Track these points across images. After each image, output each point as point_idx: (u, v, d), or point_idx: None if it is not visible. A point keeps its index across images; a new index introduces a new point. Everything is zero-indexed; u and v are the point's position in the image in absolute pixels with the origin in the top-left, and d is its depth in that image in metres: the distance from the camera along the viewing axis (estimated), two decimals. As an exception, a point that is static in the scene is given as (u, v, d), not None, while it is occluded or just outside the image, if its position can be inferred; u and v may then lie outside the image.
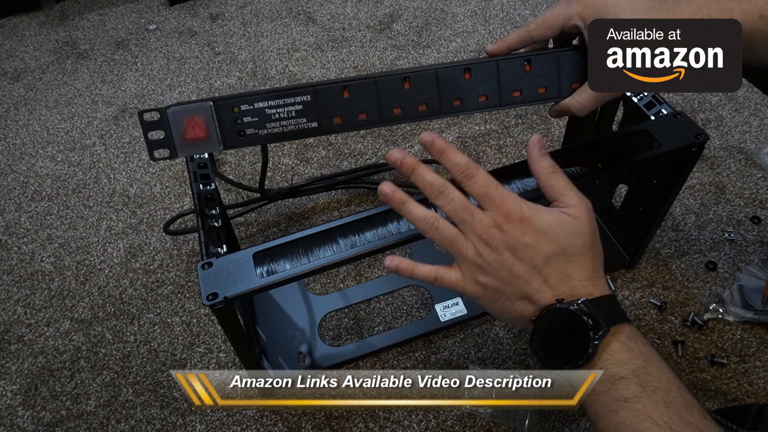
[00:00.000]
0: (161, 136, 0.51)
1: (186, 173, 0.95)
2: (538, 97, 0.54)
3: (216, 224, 0.58)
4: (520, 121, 0.99)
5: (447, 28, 1.19)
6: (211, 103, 0.50)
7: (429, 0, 1.26)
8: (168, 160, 0.71)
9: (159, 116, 0.50)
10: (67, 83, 1.14)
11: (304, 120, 0.51)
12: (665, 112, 0.63)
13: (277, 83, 1.10)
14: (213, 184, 0.61)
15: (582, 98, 0.52)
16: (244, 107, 0.50)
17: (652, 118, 0.63)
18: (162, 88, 1.11)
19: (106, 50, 1.21)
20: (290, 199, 0.89)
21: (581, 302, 0.42)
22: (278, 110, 0.51)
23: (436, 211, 0.47)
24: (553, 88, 0.54)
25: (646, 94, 0.65)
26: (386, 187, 0.47)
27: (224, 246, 0.56)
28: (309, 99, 0.51)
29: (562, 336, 0.42)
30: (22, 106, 1.10)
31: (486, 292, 0.46)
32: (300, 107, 0.51)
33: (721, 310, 0.72)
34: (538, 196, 0.55)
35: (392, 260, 0.48)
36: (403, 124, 0.98)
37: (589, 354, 0.41)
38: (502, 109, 0.55)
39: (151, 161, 0.97)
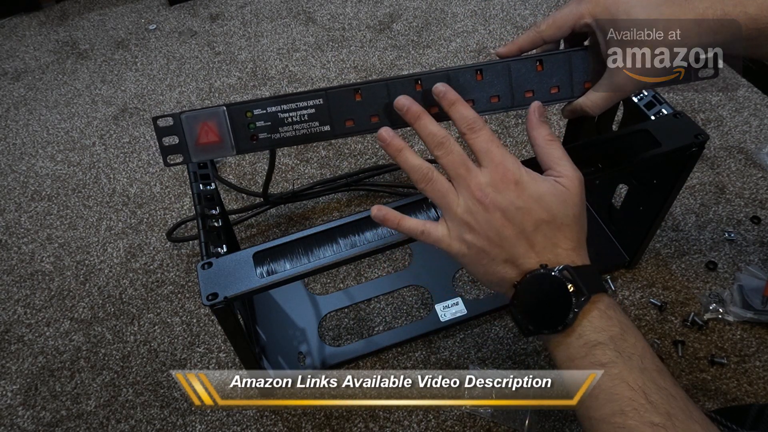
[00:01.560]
0: (175, 142, 0.51)
1: (186, 173, 0.95)
2: (550, 97, 0.54)
3: (216, 224, 0.58)
4: (520, 121, 0.99)
5: (447, 28, 1.19)
6: (225, 108, 0.50)
7: (429, 0, 1.26)
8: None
9: (173, 122, 0.50)
10: (67, 83, 1.14)
11: (317, 124, 0.51)
12: (665, 112, 0.63)
13: (277, 83, 1.10)
14: (213, 185, 0.61)
15: (595, 97, 0.52)
16: (257, 112, 0.50)
17: (652, 118, 0.63)
18: (162, 88, 1.11)
19: (106, 50, 1.21)
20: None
21: (564, 268, 0.43)
22: (291, 114, 0.51)
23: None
24: (565, 88, 0.54)
25: (645, 93, 0.65)
26: (385, 133, 0.47)
27: (224, 246, 0.56)
28: (321, 103, 0.51)
29: (544, 301, 0.43)
30: (22, 106, 1.10)
31: (470, 252, 0.45)
32: (312, 111, 0.51)
33: (721, 310, 0.72)
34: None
35: (379, 210, 0.48)
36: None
37: (569, 319, 0.42)
38: (514, 110, 0.55)
39: (150, 162, 0.97)
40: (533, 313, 0.44)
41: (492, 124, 0.99)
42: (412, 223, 0.47)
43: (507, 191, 0.44)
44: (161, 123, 0.50)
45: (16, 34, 1.27)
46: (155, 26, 1.26)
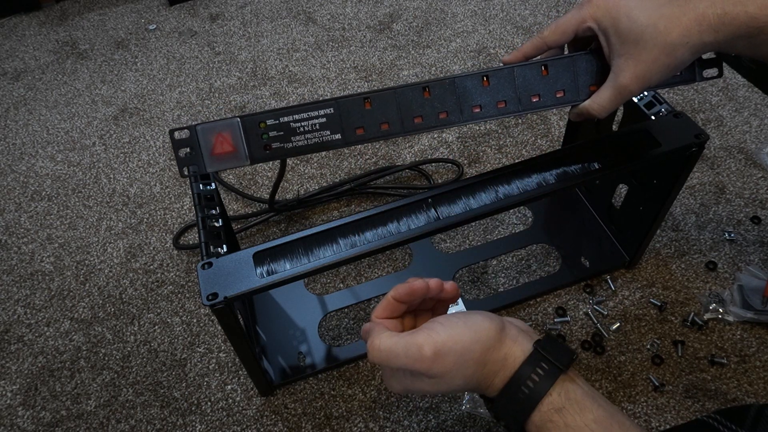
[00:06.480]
0: (190, 153, 0.52)
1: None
2: (556, 101, 0.55)
3: (216, 224, 0.58)
4: (520, 121, 0.99)
5: (447, 28, 1.19)
6: (239, 119, 0.51)
7: (429, 0, 1.26)
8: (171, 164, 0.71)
9: (188, 134, 0.52)
10: (67, 83, 1.14)
11: (328, 132, 0.52)
12: (665, 112, 0.63)
13: (277, 83, 1.10)
14: (213, 185, 0.61)
15: (600, 100, 0.53)
16: (269, 122, 0.52)
17: (652, 118, 0.63)
18: (162, 88, 1.11)
19: (106, 50, 1.21)
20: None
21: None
22: (302, 124, 0.52)
23: None
24: (571, 92, 0.55)
25: (645, 94, 0.65)
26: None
27: (224, 246, 0.56)
28: (332, 112, 0.52)
29: None
30: (22, 106, 1.10)
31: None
32: (324, 120, 0.52)
33: (721, 310, 0.72)
34: (539, 195, 0.56)
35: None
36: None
37: None
38: (522, 114, 0.56)
39: (150, 162, 0.97)
40: None
41: (492, 123, 0.99)
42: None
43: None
44: (177, 135, 0.51)
45: (15, 34, 1.27)
46: (155, 26, 1.26)
